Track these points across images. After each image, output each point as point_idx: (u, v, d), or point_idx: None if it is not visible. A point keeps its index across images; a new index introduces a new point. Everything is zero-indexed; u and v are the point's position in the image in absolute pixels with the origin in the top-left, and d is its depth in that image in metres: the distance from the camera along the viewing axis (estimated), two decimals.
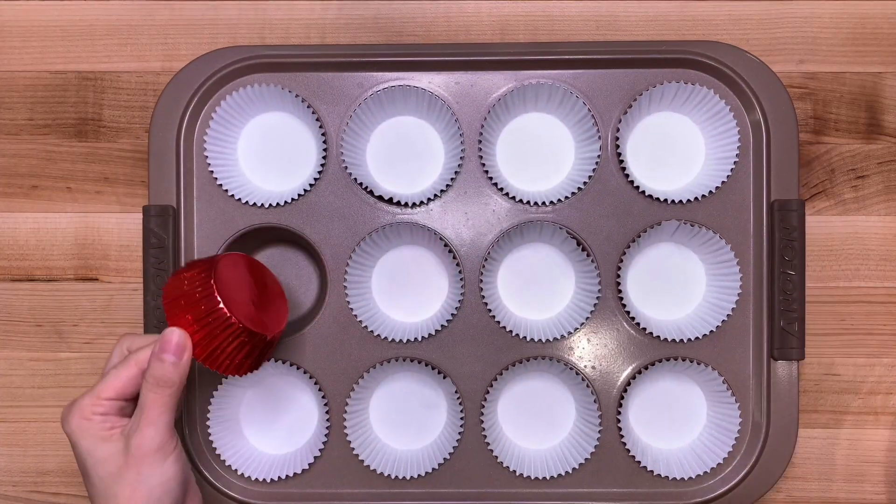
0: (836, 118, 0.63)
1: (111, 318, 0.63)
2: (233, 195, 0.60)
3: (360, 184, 0.60)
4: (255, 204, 0.60)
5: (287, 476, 0.60)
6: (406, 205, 0.61)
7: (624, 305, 0.60)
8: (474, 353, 0.61)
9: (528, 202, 0.60)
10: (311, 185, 0.60)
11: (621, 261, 0.60)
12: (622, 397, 0.61)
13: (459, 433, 0.60)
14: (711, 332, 0.60)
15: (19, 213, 0.63)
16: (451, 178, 0.61)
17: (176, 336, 0.50)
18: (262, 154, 0.62)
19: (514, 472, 0.60)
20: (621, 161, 0.60)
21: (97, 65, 0.63)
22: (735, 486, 0.60)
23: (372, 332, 0.60)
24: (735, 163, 0.60)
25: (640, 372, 0.61)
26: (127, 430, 0.50)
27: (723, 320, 0.60)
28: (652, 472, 0.60)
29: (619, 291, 0.60)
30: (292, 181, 0.62)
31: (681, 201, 0.60)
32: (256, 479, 0.60)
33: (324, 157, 0.61)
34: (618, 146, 0.60)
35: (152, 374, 0.50)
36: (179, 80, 0.60)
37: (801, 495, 0.63)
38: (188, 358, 0.50)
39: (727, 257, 0.60)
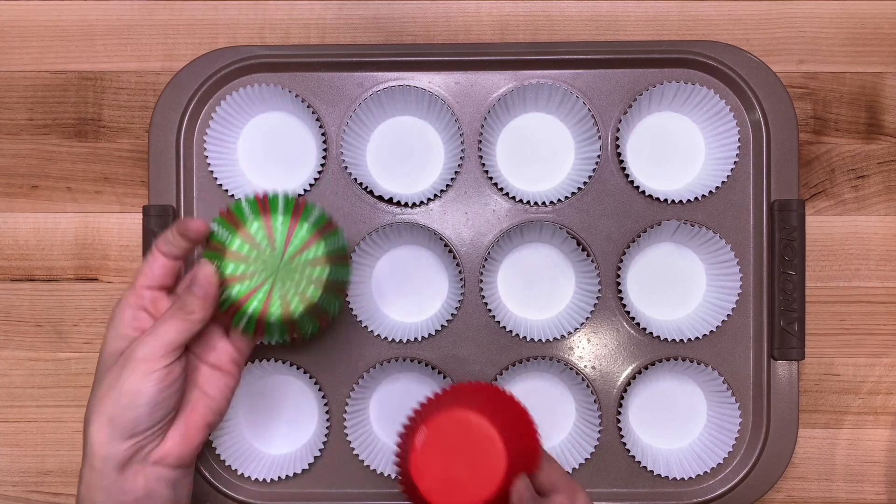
0: (836, 118, 0.63)
1: None
2: (233, 195, 0.60)
3: (360, 184, 0.60)
4: None
5: (287, 476, 0.60)
6: (406, 205, 0.61)
7: (624, 305, 0.60)
8: (474, 353, 0.61)
9: (528, 202, 0.60)
10: (311, 185, 0.60)
11: (621, 261, 0.60)
12: (622, 397, 0.61)
13: None
14: (711, 332, 0.60)
15: (19, 213, 0.63)
16: (451, 178, 0.61)
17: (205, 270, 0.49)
18: (262, 154, 0.62)
19: None
20: (621, 161, 0.60)
21: (97, 65, 0.63)
22: (735, 486, 0.60)
23: (372, 332, 0.60)
24: (735, 163, 0.60)
25: (640, 372, 0.61)
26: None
27: (723, 320, 0.60)
28: (652, 472, 0.60)
29: (619, 291, 0.60)
30: (292, 181, 0.62)
31: (681, 201, 0.60)
32: (256, 479, 0.60)
33: (324, 157, 0.61)
34: (618, 146, 0.60)
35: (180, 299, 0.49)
36: (179, 80, 0.60)
37: (801, 495, 0.63)
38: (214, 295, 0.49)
39: (727, 257, 0.60)
